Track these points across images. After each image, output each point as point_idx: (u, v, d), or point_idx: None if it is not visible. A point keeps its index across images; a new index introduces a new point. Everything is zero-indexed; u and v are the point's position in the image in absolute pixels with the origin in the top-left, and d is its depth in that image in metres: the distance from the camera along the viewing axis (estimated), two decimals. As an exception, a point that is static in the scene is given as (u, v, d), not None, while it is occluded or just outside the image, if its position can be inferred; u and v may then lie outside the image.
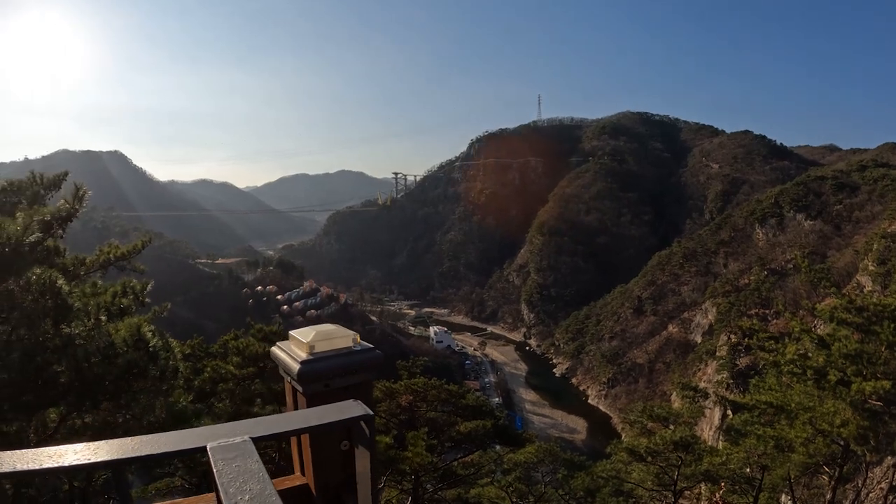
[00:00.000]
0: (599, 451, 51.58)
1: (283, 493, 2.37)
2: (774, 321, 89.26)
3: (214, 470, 2.10)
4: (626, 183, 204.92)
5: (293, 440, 3.35)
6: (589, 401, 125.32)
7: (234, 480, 2.04)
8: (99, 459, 2.30)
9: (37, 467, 2.24)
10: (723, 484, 18.89)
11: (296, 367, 2.99)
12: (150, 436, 2.41)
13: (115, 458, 2.26)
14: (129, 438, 2.33)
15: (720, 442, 38.16)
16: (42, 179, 11.76)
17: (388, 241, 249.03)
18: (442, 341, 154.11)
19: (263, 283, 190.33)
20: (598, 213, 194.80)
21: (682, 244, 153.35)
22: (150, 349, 10.28)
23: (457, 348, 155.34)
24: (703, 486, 22.00)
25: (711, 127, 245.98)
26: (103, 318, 10.40)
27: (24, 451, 2.29)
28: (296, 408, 3.20)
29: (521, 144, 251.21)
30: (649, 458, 21.52)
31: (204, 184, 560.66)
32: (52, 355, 9.45)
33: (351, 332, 3.25)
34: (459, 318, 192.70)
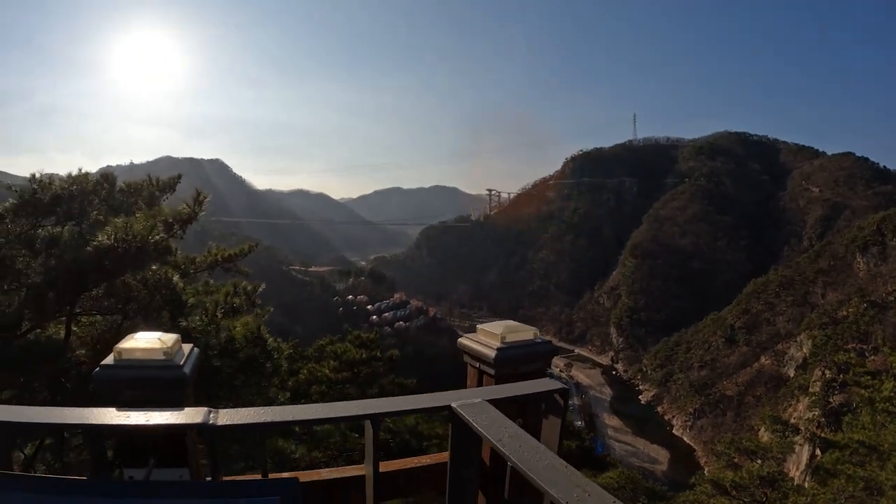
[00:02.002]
0: (680, 484, 50.61)
1: None
2: (872, 357, 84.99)
3: (470, 422, 2.65)
4: (723, 206, 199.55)
5: None
6: (673, 431, 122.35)
7: (490, 426, 2.59)
8: (349, 414, 3.05)
9: (291, 419, 2.87)
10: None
11: (492, 353, 3.43)
12: (396, 398, 3.13)
13: (367, 413, 2.83)
14: (376, 399, 2.96)
15: (807, 481, 37.15)
16: (157, 182, 13.18)
17: (480, 257, 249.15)
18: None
19: (354, 292, 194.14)
20: (693, 236, 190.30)
21: (778, 272, 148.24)
22: (267, 347, 11.28)
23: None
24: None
25: (812, 148, 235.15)
26: (219, 314, 11.49)
27: (280, 408, 2.85)
28: None
29: (615, 164, 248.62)
30: (734, 493, 21.24)
31: (300, 194, 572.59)
32: (168, 347, 10.69)
33: (532, 328, 3.80)
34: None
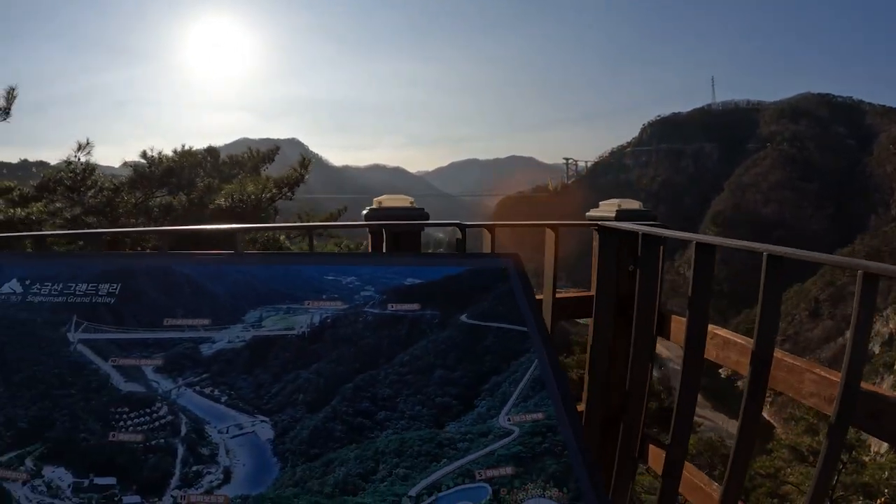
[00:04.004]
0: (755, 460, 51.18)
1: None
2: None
3: (608, 224, 3.78)
4: (807, 172, 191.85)
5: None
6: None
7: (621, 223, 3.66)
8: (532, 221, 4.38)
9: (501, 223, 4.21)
10: (882, 498, 18.85)
11: (612, 214, 4.20)
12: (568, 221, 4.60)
13: (549, 223, 4.05)
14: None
15: (886, 456, 37.20)
16: (257, 154, 15.29)
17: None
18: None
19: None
20: (776, 204, 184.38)
21: (865, 242, 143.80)
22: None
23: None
24: (861, 499, 21.45)
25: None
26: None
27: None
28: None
29: (694, 129, 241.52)
30: (811, 458, 21.29)
31: (377, 169, 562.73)
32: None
33: (637, 201, 4.72)
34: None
